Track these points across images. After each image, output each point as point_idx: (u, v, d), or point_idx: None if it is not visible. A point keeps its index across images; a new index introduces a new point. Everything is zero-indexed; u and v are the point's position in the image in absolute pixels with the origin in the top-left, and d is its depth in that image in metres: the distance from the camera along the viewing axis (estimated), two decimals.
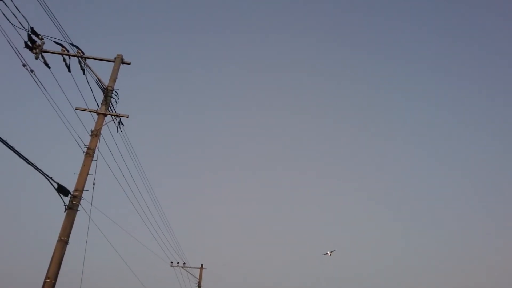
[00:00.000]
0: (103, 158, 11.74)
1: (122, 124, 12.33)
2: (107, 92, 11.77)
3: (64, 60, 11.04)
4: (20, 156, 8.13)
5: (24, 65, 9.36)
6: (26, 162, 8.36)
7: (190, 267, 29.77)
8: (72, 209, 10.20)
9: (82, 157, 10.91)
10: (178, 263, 28.81)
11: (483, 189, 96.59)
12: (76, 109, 11.39)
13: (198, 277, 30.56)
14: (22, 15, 8.89)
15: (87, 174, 10.74)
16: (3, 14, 8.38)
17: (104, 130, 11.53)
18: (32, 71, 9.53)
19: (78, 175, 10.65)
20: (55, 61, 10.71)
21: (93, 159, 10.99)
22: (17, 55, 9.16)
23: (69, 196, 10.18)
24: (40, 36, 10.09)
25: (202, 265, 31.33)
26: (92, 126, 11.36)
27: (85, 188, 10.60)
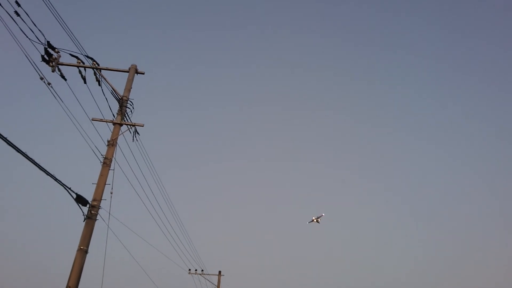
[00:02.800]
0: (120, 167, 11.87)
1: (138, 133, 12.46)
2: (122, 102, 11.91)
3: (80, 72, 11.23)
4: (39, 168, 8.27)
5: (41, 78, 9.56)
6: (46, 173, 8.50)
7: (208, 274, 29.77)
8: (90, 218, 10.31)
9: (99, 166, 11.05)
10: (196, 270, 28.85)
11: (497, 188, 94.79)
12: (92, 119, 11.56)
13: (216, 284, 30.52)
14: (39, 30, 9.10)
15: (105, 184, 10.85)
16: (21, 29, 8.60)
17: (120, 140, 11.68)
18: (49, 84, 9.72)
19: (95, 185, 10.78)
20: (71, 73, 10.92)
21: (110, 168, 11.11)
22: (35, 69, 9.36)
23: (88, 205, 10.30)
24: (56, 50, 10.30)
25: (220, 272, 31.29)
26: (108, 136, 11.52)
27: (103, 198, 10.72)
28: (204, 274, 29.28)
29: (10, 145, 7.19)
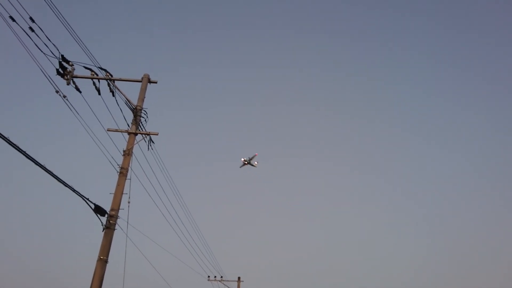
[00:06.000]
0: (136, 176, 11.95)
1: (153, 142, 12.54)
2: (136, 112, 12.02)
3: (94, 83, 11.38)
4: (58, 180, 8.37)
5: (57, 92, 9.71)
6: (64, 185, 8.60)
7: (228, 281, 29.69)
8: (109, 228, 10.39)
9: (116, 176, 11.14)
10: (215, 277, 28.81)
11: (499, 188, 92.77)
12: (108, 130, 11.68)
13: None
14: (53, 44, 9.26)
15: (122, 193, 10.93)
16: (35, 44, 8.76)
17: (135, 149, 11.76)
18: (64, 96, 9.87)
19: (113, 194, 10.86)
20: (85, 85, 11.07)
21: (127, 178, 11.19)
22: (50, 83, 9.52)
23: (106, 215, 10.38)
24: (70, 63, 10.45)
25: (239, 278, 31.17)
26: (124, 145, 11.62)
27: (120, 207, 10.79)
28: (224, 280, 29.22)
29: (28, 158, 7.30)
